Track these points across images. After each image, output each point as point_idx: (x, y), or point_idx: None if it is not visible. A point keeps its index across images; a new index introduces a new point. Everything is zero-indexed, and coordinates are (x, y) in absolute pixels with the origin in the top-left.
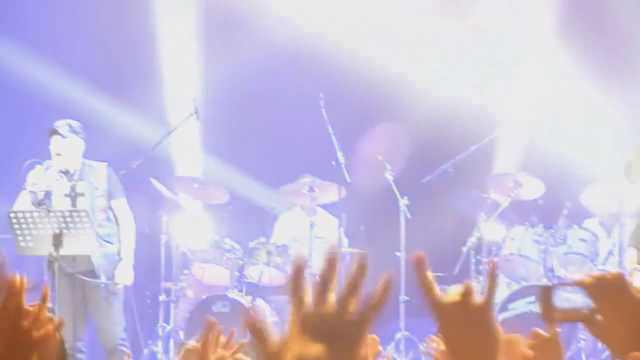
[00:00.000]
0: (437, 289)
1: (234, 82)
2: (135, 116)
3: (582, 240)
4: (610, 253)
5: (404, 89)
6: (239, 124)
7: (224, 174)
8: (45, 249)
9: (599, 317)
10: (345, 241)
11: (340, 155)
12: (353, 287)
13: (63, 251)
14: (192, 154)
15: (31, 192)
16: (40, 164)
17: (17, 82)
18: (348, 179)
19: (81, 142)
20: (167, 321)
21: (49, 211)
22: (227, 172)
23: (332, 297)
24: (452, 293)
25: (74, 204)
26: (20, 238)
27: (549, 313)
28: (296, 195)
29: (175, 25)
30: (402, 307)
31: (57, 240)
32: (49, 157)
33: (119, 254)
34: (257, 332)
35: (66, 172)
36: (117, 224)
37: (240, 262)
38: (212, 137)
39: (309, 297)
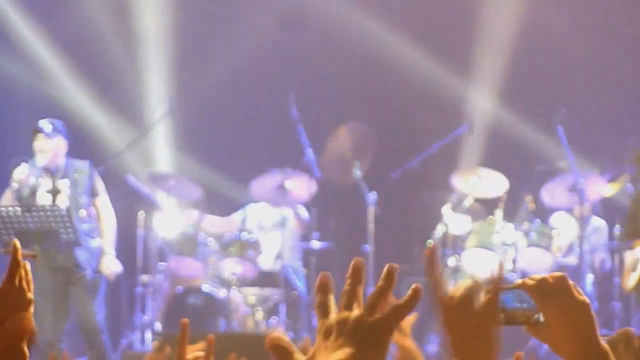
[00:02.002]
0: (444, 284)
1: (207, 81)
2: (112, 114)
3: (543, 234)
4: (571, 246)
5: (372, 87)
6: (212, 122)
7: (197, 170)
8: (27, 244)
9: (541, 318)
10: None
11: (310, 152)
12: (380, 294)
13: (44, 246)
14: (167, 152)
15: (16, 188)
16: (26, 161)
17: None
18: (318, 175)
19: (64, 141)
20: (144, 312)
21: (30, 207)
22: (200, 169)
23: (358, 304)
24: (458, 289)
25: (54, 201)
26: (3, 232)
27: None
28: (266, 190)
29: (152, 26)
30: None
31: (38, 236)
32: (32, 155)
33: (100, 248)
34: (282, 354)
35: (49, 170)
36: (99, 220)
37: (214, 255)
38: (186, 135)
39: (333, 306)
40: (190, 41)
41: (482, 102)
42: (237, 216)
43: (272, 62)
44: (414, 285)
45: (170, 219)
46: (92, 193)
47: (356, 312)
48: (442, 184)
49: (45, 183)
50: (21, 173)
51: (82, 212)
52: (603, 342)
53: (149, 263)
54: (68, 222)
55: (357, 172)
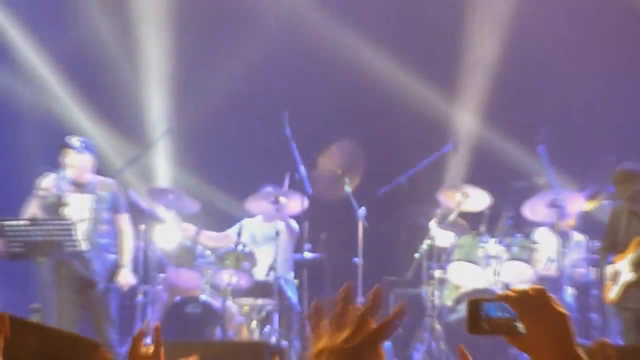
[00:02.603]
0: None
1: (205, 101)
2: (114, 133)
3: (524, 247)
4: (549, 260)
5: (362, 108)
6: (209, 140)
7: (195, 185)
8: (34, 254)
9: (522, 328)
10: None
11: (302, 169)
12: (368, 314)
13: (51, 257)
14: (166, 168)
15: (42, 196)
16: (53, 172)
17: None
18: (310, 191)
19: (92, 158)
20: (144, 320)
21: (37, 220)
22: (198, 184)
23: (349, 326)
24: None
25: (77, 215)
26: (11, 245)
27: (475, 326)
28: (261, 205)
29: (153, 47)
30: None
31: (45, 248)
32: (58, 167)
33: (116, 262)
34: None
35: (77, 184)
36: (119, 235)
37: (211, 266)
38: (184, 152)
39: (325, 329)
40: (189, 63)
41: (466, 121)
42: (232, 230)
43: (266, 84)
44: (398, 305)
45: (169, 232)
46: (115, 210)
47: (344, 334)
48: (429, 200)
49: (71, 196)
50: (48, 183)
51: (103, 227)
52: (580, 352)
53: (148, 274)
54: (73, 234)
55: (347, 188)
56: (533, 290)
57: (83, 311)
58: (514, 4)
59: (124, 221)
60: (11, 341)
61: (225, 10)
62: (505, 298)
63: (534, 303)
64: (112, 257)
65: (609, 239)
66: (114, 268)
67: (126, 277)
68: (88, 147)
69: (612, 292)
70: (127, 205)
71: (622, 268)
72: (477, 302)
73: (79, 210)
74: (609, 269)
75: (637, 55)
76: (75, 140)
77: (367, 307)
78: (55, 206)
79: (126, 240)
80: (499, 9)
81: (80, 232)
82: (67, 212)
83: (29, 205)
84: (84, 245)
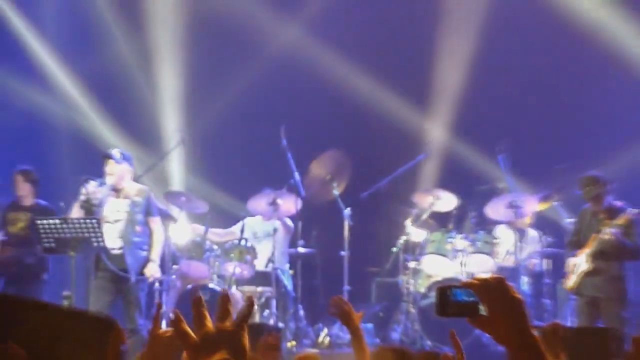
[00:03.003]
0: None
1: (213, 115)
2: (134, 144)
3: (487, 242)
4: (508, 252)
5: (348, 121)
6: (216, 149)
7: (204, 189)
8: (65, 249)
9: (483, 311)
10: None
11: (296, 174)
12: (245, 315)
13: (80, 251)
14: (179, 174)
15: (83, 200)
16: (94, 180)
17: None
18: (303, 194)
19: (130, 168)
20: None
21: (67, 219)
22: (207, 188)
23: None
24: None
25: (114, 216)
26: (44, 241)
27: (443, 308)
28: (261, 206)
29: (168, 71)
30: (345, 295)
31: (74, 243)
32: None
33: (147, 258)
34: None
35: (115, 190)
36: (150, 235)
37: (218, 259)
38: (195, 160)
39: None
40: (199, 83)
41: (437, 133)
42: (236, 227)
43: (266, 101)
44: (247, 297)
45: (181, 229)
46: (147, 213)
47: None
48: (405, 201)
49: (110, 200)
50: (89, 189)
51: (137, 228)
52: (535, 332)
53: (164, 265)
54: (99, 231)
55: (335, 191)
56: (493, 278)
57: (114, 299)
58: (479, 28)
59: (156, 223)
60: (3, 319)
61: (230, 37)
62: (469, 285)
63: (494, 289)
64: (144, 253)
65: (575, 236)
66: (144, 262)
67: (153, 270)
68: (126, 158)
69: (571, 281)
70: (158, 208)
71: (580, 260)
72: (444, 288)
73: (116, 213)
74: (571, 261)
75: (585, 75)
76: (115, 152)
77: (240, 312)
78: (96, 209)
79: (156, 239)
80: (465, 32)
81: (117, 232)
82: (106, 214)
83: (72, 209)
84: (119, 243)
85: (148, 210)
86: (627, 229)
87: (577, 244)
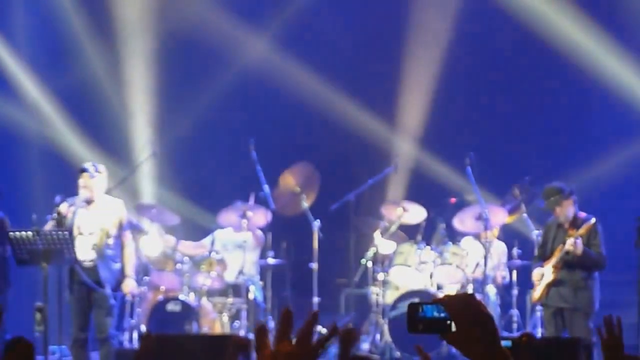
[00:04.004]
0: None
1: (184, 129)
2: (105, 157)
3: (455, 254)
4: (477, 264)
5: (317, 136)
6: (188, 162)
7: (175, 202)
8: (37, 261)
9: (454, 328)
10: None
11: (266, 187)
12: (306, 333)
13: (51, 263)
14: (150, 187)
15: (57, 219)
16: (67, 201)
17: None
18: (272, 206)
19: (104, 182)
20: (132, 317)
21: (39, 231)
22: (177, 200)
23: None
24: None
25: (88, 229)
26: (18, 252)
27: (415, 325)
28: (231, 218)
29: (139, 85)
30: (315, 307)
31: (46, 255)
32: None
33: (120, 270)
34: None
35: (89, 202)
36: (123, 248)
37: (189, 271)
38: (166, 173)
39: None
40: (169, 97)
41: (405, 147)
42: (206, 240)
43: (235, 114)
44: (332, 325)
45: (153, 241)
46: (120, 226)
47: (291, 345)
48: (373, 213)
49: (84, 213)
50: (63, 207)
51: (110, 241)
52: (502, 346)
53: (136, 277)
54: (70, 244)
55: (304, 204)
56: (463, 294)
57: (91, 309)
58: (446, 41)
59: (127, 237)
60: None
61: (200, 51)
62: (439, 301)
63: (463, 306)
64: (117, 266)
65: (541, 249)
66: (119, 275)
67: (131, 286)
68: (99, 171)
69: (537, 292)
70: (130, 223)
71: (546, 271)
72: (415, 305)
73: (89, 225)
74: (537, 272)
75: (553, 88)
76: (89, 165)
77: (302, 328)
78: (69, 224)
79: (129, 253)
80: (433, 46)
81: (91, 244)
82: (79, 226)
83: (47, 225)
84: (92, 255)
85: (121, 223)
86: (590, 238)
87: (544, 256)
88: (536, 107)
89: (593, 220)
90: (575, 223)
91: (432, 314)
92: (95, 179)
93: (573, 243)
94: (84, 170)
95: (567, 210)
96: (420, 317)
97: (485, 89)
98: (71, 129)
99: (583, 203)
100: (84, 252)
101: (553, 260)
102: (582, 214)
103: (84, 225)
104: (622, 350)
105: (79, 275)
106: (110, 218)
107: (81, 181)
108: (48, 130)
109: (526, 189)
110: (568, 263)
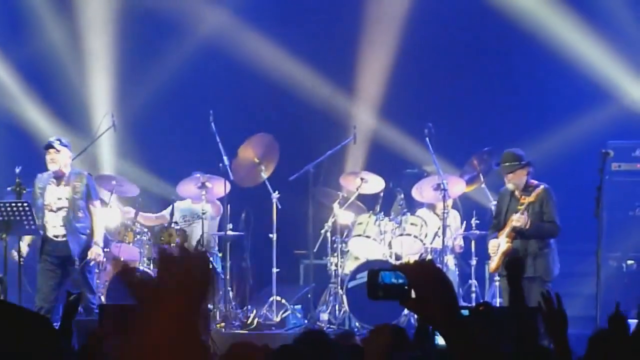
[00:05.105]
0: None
1: (143, 100)
2: (64, 129)
3: (413, 224)
4: (436, 234)
5: (276, 107)
6: (147, 134)
7: (134, 173)
8: None
9: (413, 293)
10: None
11: (225, 158)
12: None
13: (10, 233)
14: (109, 158)
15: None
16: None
17: None
18: (231, 177)
19: (69, 154)
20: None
21: None
22: (137, 172)
23: None
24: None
25: (56, 205)
26: None
27: (375, 292)
28: (190, 189)
29: (98, 55)
30: (274, 277)
31: (5, 226)
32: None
33: (87, 241)
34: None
35: (57, 177)
36: (91, 219)
37: (148, 242)
38: (125, 144)
39: None
40: (129, 67)
41: (364, 117)
42: (166, 211)
43: (194, 86)
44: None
45: (112, 213)
46: (88, 197)
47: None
48: (332, 184)
49: (52, 189)
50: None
51: (79, 214)
52: (464, 313)
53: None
54: (30, 215)
55: (263, 175)
56: (422, 260)
57: (60, 281)
58: (404, 10)
59: (96, 207)
60: None
61: (159, 22)
62: (399, 268)
63: (423, 272)
64: (85, 237)
65: (496, 219)
66: (87, 246)
67: (96, 252)
68: (64, 144)
69: (493, 263)
70: (97, 193)
71: (501, 241)
72: (375, 272)
73: (58, 201)
74: (492, 243)
75: (512, 58)
76: (54, 140)
77: None
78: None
79: (98, 223)
80: (391, 16)
81: (60, 219)
82: (48, 202)
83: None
84: (62, 231)
85: (89, 194)
86: (542, 205)
87: (499, 226)
88: (496, 77)
89: (542, 187)
90: (527, 191)
91: (391, 280)
92: (61, 153)
93: (518, 219)
94: (50, 145)
95: (520, 178)
96: (380, 284)
97: (444, 59)
98: (30, 101)
99: (542, 174)
100: (55, 228)
101: (506, 230)
102: (534, 182)
103: (53, 202)
104: (565, 323)
105: (49, 248)
106: (78, 191)
107: (48, 157)
108: (7, 102)
109: (485, 159)
110: (521, 233)
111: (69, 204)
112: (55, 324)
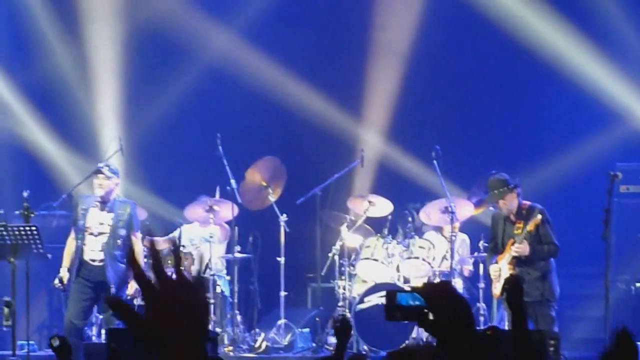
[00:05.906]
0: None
1: (151, 124)
2: (72, 154)
3: (421, 247)
4: (444, 257)
5: (283, 130)
6: (154, 158)
7: (142, 197)
8: (5, 256)
9: (430, 315)
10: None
11: (233, 182)
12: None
13: (18, 257)
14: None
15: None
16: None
17: None
18: (239, 200)
19: (118, 182)
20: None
21: (6, 226)
22: (145, 196)
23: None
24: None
25: (99, 229)
26: None
27: (392, 313)
28: (197, 212)
29: (106, 80)
30: (281, 300)
31: (13, 250)
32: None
33: (125, 271)
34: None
35: (102, 202)
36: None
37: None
38: (133, 169)
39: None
40: (137, 93)
41: (371, 141)
42: (173, 235)
43: (202, 109)
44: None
45: None
46: (130, 228)
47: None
48: (340, 207)
49: (94, 212)
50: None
51: (119, 242)
52: (477, 331)
53: None
54: (38, 238)
55: (271, 198)
56: (440, 282)
57: (92, 304)
58: (413, 35)
59: (137, 238)
60: None
61: (166, 46)
62: (417, 289)
63: (440, 293)
64: (122, 266)
65: (492, 242)
66: (123, 275)
67: (135, 289)
68: (114, 172)
69: (496, 289)
70: (139, 224)
71: (502, 267)
72: (393, 294)
73: (99, 225)
74: (494, 268)
75: (518, 83)
76: (104, 166)
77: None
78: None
79: (138, 254)
80: (399, 40)
81: (100, 244)
82: (89, 225)
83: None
84: (101, 255)
85: (131, 224)
86: (539, 233)
87: (496, 250)
88: (503, 100)
89: (539, 217)
90: (521, 213)
91: (408, 302)
92: (111, 180)
93: (517, 249)
94: (99, 171)
95: (510, 203)
96: (397, 306)
97: (451, 82)
98: (38, 124)
99: (550, 196)
100: (93, 252)
101: (506, 256)
102: (526, 203)
103: (94, 226)
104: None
105: (87, 270)
106: (121, 219)
107: (96, 182)
108: (15, 125)
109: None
110: (522, 260)
111: (110, 230)
112: (84, 342)
